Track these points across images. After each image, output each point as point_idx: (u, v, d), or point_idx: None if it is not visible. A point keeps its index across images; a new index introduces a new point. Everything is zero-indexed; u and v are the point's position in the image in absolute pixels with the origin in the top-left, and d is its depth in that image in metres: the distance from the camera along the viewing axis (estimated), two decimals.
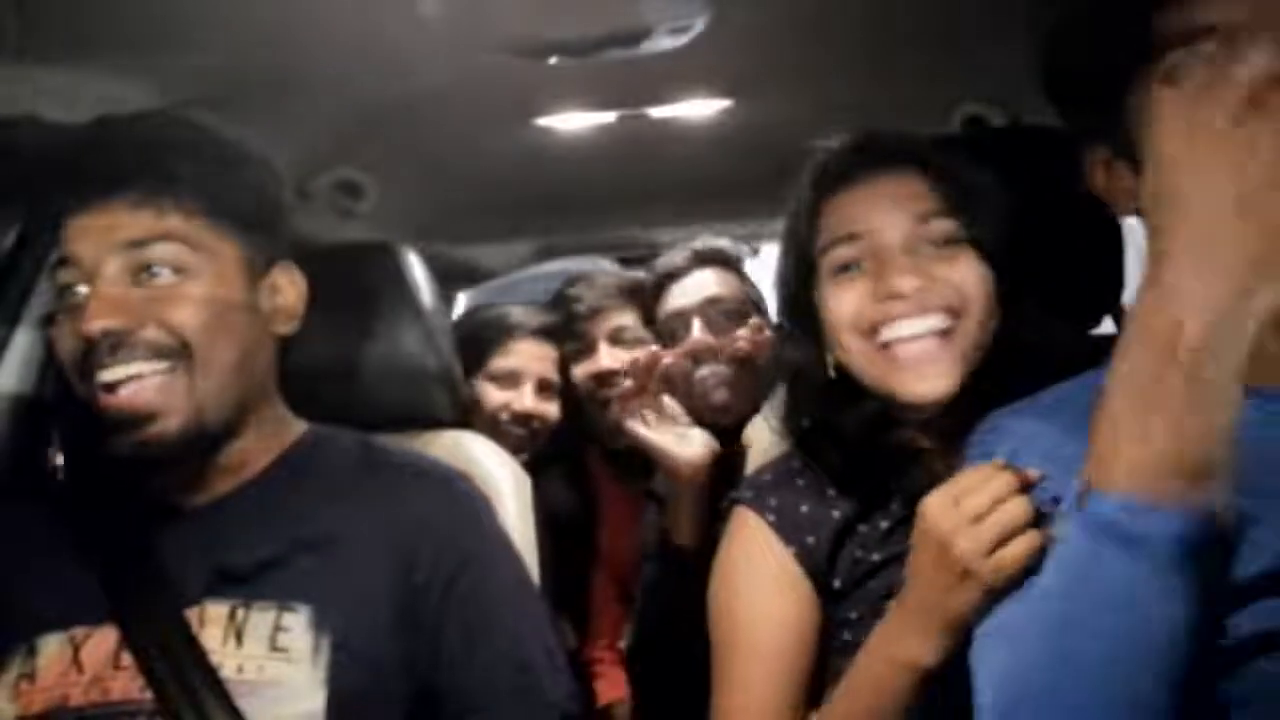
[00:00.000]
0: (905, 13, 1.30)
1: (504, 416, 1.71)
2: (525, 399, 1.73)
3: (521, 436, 1.71)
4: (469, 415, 1.53)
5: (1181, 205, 0.56)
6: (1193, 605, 0.56)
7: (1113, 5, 0.76)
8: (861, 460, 0.99)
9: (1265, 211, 0.54)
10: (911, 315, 0.93)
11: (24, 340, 1.20)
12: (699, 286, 1.69)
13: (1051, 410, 0.79)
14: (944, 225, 0.94)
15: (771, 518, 0.99)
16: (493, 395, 1.72)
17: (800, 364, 1.04)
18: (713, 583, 1.03)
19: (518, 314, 1.78)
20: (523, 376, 1.73)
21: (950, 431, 0.93)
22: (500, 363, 1.73)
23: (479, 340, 1.72)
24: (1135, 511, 0.57)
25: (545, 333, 1.78)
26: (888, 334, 0.94)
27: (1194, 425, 0.56)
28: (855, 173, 0.98)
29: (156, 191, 0.93)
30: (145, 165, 0.93)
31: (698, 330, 1.65)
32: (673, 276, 1.72)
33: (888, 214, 0.95)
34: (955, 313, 0.93)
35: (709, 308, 1.67)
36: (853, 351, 0.97)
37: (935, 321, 0.93)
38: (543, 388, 1.75)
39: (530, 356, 1.75)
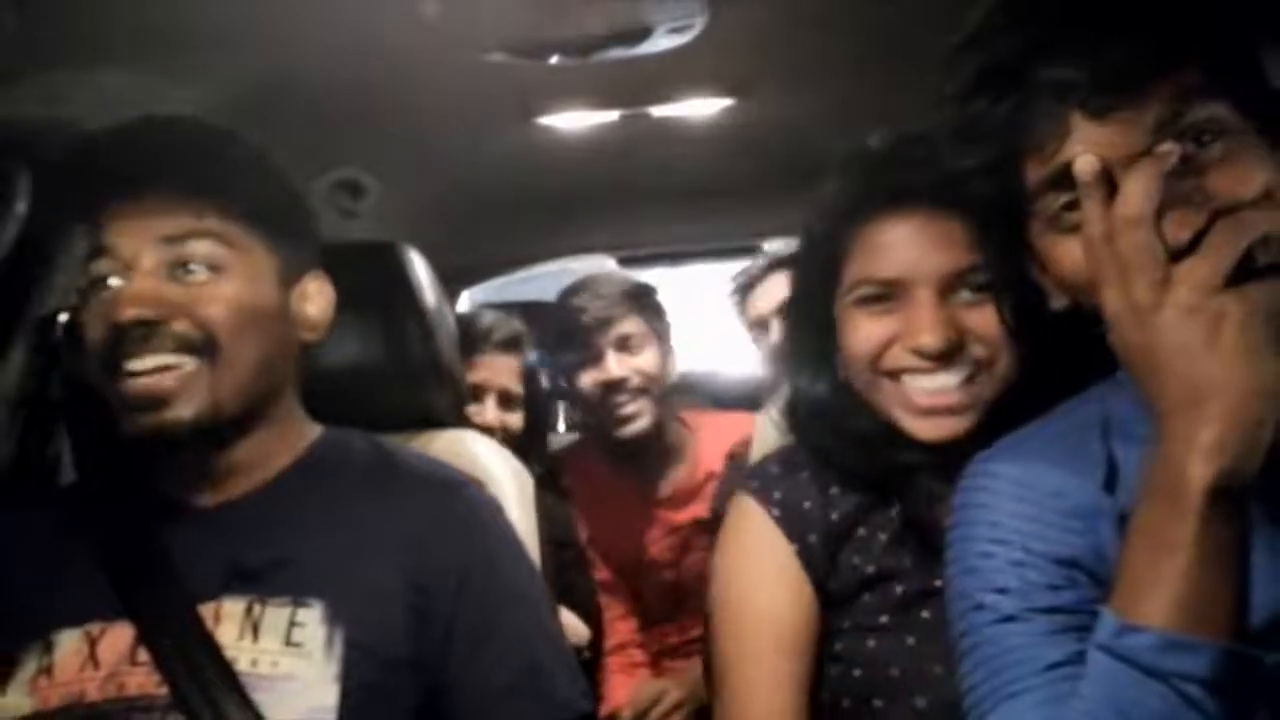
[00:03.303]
0: (906, 12, 1.30)
1: None
2: (488, 413, 1.77)
3: None
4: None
5: (1164, 374, 0.61)
6: None
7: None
8: (866, 461, 0.97)
9: (1242, 366, 0.59)
10: (935, 372, 0.90)
11: (30, 340, 1.21)
12: (776, 290, 1.84)
13: (1036, 450, 0.79)
14: (981, 273, 0.90)
15: (776, 512, 0.98)
16: None
17: (806, 369, 1.02)
18: (715, 571, 1.02)
19: (487, 322, 1.82)
20: (485, 390, 1.77)
21: (951, 453, 0.90)
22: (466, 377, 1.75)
23: None
24: (1167, 647, 0.60)
25: (509, 344, 1.81)
26: (909, 382, 0.92)
27: (1210, 567, 0.60)
28: (891, 199, 0.94)
29: (198, 190, 0.94)
30: (187, 164, 0.95)
31: (776, 332, 1.81)
32: (751, 285, 1.91)
33: (923, 260, 0.91)
34: (980, 364, 0.90)
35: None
36: (866, 384, 0.95)
37: (957, 378, 0.90)
38: (504, 400, 1.80)
39: (493, 370, 1.79)
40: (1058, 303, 0.76)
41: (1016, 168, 0.71)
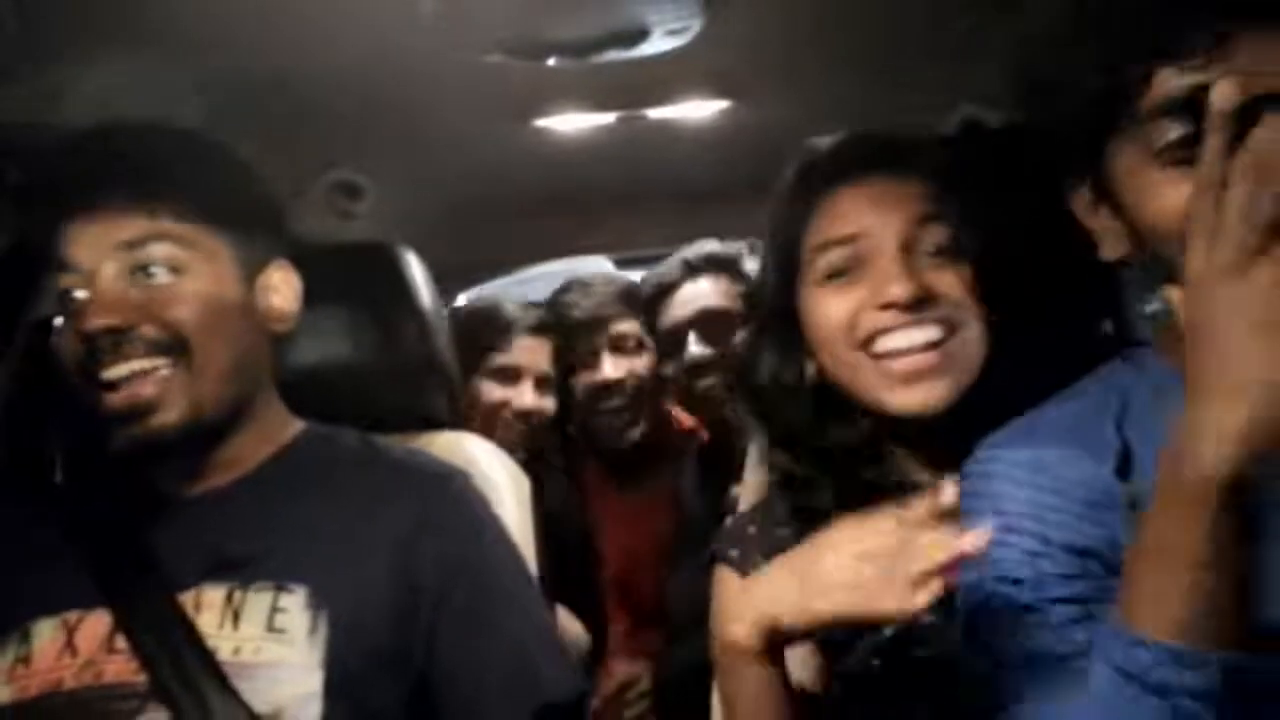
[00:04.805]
0: (903, 15, 1.30)
1: (505, 414, 1.71)
2: (526, 396, 1.73)
3: (522, 432, 1.71)
4: (468, 413, 1.54)
5: (1206, 334, 0.54)
6: None
7: (1095, 49, 0.67)
8: (853, 495, 0.92)
9: None
10: (908, 326, 0.89)
11: (22, 344, 1.20)
12: (693, 298, 1.70)
13: (1049, 434, 0.76)
14: (940, 232, 0.90)
15: None
16: (492, 391, 1.72)
17: (778, 372, 0.99)
18: (712, 644, 0.93)
19: (512, 309, 1.79)
20: (523, 373, 1.74)
21: (943, 461, 0.88)
22: (501, 360, 1.73)
23: (478, 338, 1.72)
24: (1169, 662, 0.57)
25: (541, 328, 1.78)
26: (883, 345, 0.91)
27: (1217, 572, 0.56)
28: (851, 170, 0.94)
29: (149, 193, 0.94)
30: (139, 168, 0.95)
31: (693, 345, 1.66)
32: (667, 290, 1.72)
33: (884, 215, 0.91)
34: (951, 325, 0.90)
35: (704, 319, 1.68)
36: (842, 361, 0.93)
37: (931, 333, 0.89)
38: (540, 383, 1.76)
39: (530, 352, 1.75)
40: (1110, 252, 0.71)
41: (1133, 84, 0.63)
